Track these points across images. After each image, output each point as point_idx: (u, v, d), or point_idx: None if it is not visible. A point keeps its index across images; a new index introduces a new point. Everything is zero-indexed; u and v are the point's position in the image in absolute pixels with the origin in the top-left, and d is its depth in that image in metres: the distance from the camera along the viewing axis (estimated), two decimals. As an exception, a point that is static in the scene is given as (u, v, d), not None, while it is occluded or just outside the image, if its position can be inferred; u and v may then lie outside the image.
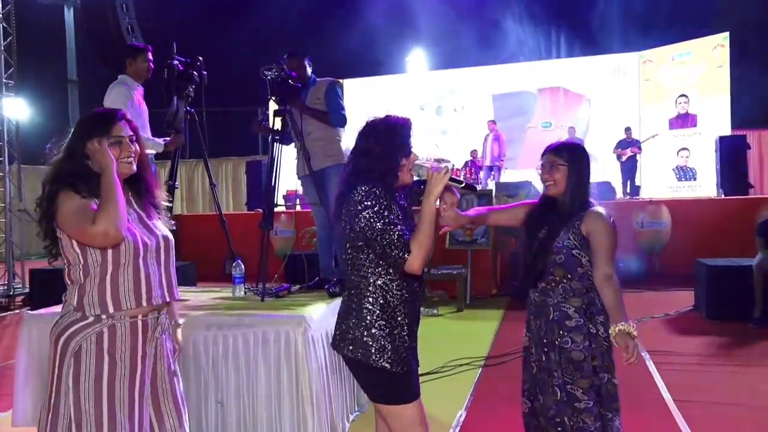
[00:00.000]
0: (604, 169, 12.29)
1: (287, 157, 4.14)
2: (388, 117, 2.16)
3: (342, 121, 3.99)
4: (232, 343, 3.13)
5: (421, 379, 4.21)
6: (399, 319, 2.10)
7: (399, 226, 2.01)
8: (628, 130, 11.74)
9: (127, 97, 3.83)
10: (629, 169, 11.45)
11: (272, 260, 5.73)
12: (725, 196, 10.10)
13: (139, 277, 1.97)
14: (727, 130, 11.78)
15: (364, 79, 15.17)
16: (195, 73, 3.69)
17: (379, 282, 2.09)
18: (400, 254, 1.99)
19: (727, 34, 12.35)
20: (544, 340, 2.39)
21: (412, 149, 2.15)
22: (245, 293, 3.86)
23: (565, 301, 2.34)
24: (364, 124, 2.18)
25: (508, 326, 6.24)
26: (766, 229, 6.31)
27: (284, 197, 11.93)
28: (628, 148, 11.34)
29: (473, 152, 12.61)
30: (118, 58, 3.95)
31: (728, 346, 5.27)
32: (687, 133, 12.58)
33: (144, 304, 1.98)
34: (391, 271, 2.08)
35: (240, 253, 6.35)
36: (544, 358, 2.40)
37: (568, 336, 2.31)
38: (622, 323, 2.18)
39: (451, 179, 2.09)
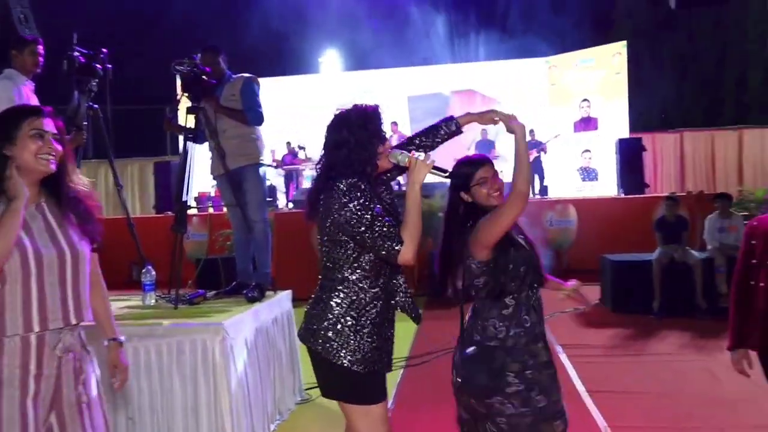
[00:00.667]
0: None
1: (199, 156, 3.96)
2: (356, 106, 2.09)
3: (258, 120, 3.85)
4: (144, 356, 2.94)
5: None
6: (368, 318, 2.05)
7: (387, 218, 1.97)
8: (531, 132, 12.21)
9: (12, 92, 3.51)
10: (536, 169, 11.90)
11: (185, 265, 5.46)
12: (625, 195, 10.71)
13: (29, 298, 1.74)
14: (625, 133, 12.51)
15: (277, 78, 14.90)
16: (98, 66, 3.44)
17: (352, 278, 2.05)
18: (393, 245, 1.94)
19: (624, 42, 13.14)
20: (540, 334, 2.12)
21: (386, 135, 2.11)
22: (156, 301, 3.64)
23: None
24: (332, 117, 2.12)
25: (428, 325, 6.26)
26: (663, 225, 6.75)
27: (196, 199, 11.48)
28: (534, 149, 11.80)
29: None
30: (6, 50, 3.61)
31: (633, 338, 5.56)
32: (589, 135, 13.27)
33: (36, 328, 1.75)
34: (367, 268, 2.04)
35: (149, 258, 6.01)
36: (541, 353, 2.12)
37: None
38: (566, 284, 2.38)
39: (435, 167, 1.99)
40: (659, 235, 6.65)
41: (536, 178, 11.85)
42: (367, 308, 2.06)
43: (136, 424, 2.93)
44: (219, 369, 2.87)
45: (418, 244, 1.98)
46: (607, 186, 12.36)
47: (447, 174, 2.06)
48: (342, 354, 2.02)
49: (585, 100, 13.37)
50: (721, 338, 5.18)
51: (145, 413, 2.93)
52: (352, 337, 2.03)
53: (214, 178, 3.99)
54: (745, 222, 6.99)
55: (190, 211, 9.31)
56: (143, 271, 3.65)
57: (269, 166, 4.07)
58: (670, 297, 6.23)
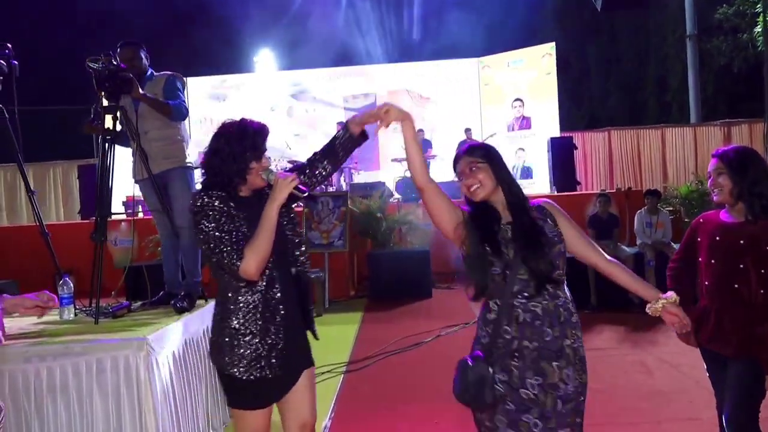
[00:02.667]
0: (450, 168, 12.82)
1: (124, 159, 3.71)
2: (242, 120, 2.15)
3: (180, 114, 3.63)
4: (60, 376, 2.69)
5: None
6: (247, 323, 2.08)
7: (234, 234, 2.02)
8: (468, 131, 12.35)
9: None
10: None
11: (111, 274, 5.15)
12: (557, 192, 10.97)
13: None
14: (556, 132, 12.84)
15: (209, 78, 14.46)
16: (2, 62, 3.15)
17: (226, 287, 2.12)
18: (233, 261, 1.99)
19: (553, 44, 13.48)
20: (557, 350, 1.94)
21: (265, 155, 2.13)
22: (76, 315, 3.37)
23: (567, 297, 2.00)
24: (219, 125, 2.17)
25: (368, 328, 6.21)
26: (595, 222, 6.93)
27: (124, 203, 10.96)
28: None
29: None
30: None
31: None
32: (523, 134, 13.54)
33: None
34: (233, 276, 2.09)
35: (75, 267, 5.64)
36: (552, 372, 1.93)
37: (576, 334, 1.99)
38: (662, 296, 2.04)
39: (296, 188, 2.05)
40: (592, 231, 6.83)
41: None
42: (246, 315, 2.09)
43: (53, 451, 2.69)
44: (143, 387, 2.66)
45: (263, 258, 2.02)
46: (541, 184, 12.64)
47: (305, 195, 2.11)
48: (227, 363, 2.09)
49: (518, 99, 13.63)
50: (653, 331, 5.36)
51: (62, 438, 2.69)
52: (234, 345, 2.08)
53: (136, 182, 3.74)
54: (671, 217, 7.31)
55: (117, 217, 8.88)
56: (60, 283, 3.37)
57: (195, 168, 3.85)
58: (604, 292, 6.38)
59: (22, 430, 2.69)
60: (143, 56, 3.78)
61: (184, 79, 3.85)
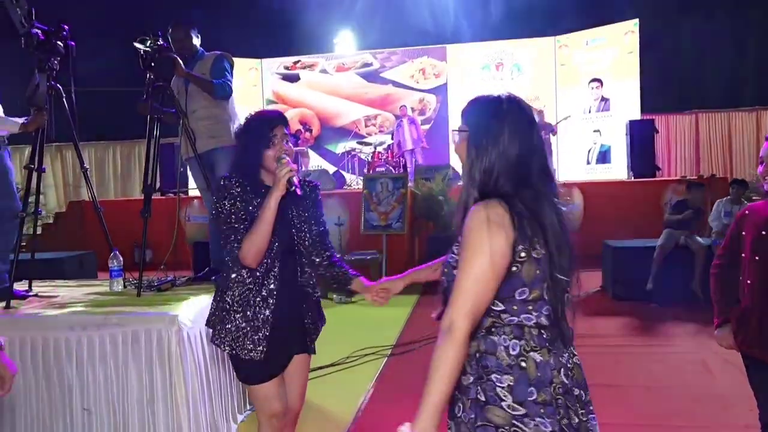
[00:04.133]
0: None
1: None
2: (250, 114, 2.30)
3: (223, 92, 3.67)
4: (99, 345, 2.83)
5: (323, 371, 4.08)
6: (241, 304, 2.19)
7: (241, 223, 2.13)
8: (541, 113, 11.90)
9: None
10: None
11: (184, 248, 5.44)
12: (635, 178, 10.42)
13: None
14: (636, 115, 12.16)
15: (282, 58, 14.69)
16: (59, 43, 3.29)
17: (231, 264, 2.21)
18: (235, 246, 2.14)
19: (636, 20, 12.70)
20: None
21: (283, 143, 2.20)
22: (125, 287, 3.53)
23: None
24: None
25: (421, 312, 6.16)
26: (678, 210, 6.43)
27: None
28: (542, 131, 11.49)
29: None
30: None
31: (630, 326, 5.38)
32: (600, 116, 12.93)
33: None
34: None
35: (153, 241, 6.00)
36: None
37: (460, 400, 1.49)
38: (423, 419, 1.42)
39: (289, 180, 2.11)
40: (670, 218, 6.32)
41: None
42: (242, 296, 2.19)
43: (93, 416, 2.84)
44: (174, 360, 2.75)
45: (259, 248, 2.10)
46: (619, 168, 12.06)
47: (292, 189, 2.14)
48: (215, 332, 2.25)
49: (595, 80, 13.00)
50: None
51: (101, 405, 2.83)
52: (224, 318, 2.22)
53: (184, 161, 3.85)
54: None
55: (192, 193, 9.12)
56: (111, 256, 3.54)
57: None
58: (669, 284, 6.00)
59: (65, 393, 2.85)
60: (194, 36, 3.86)
61: (232, 57, 3.88)
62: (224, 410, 3.13)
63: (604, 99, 12.92)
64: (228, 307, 2.21)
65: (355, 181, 11.88)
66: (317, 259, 2.31)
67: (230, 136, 3.74)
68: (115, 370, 2.82)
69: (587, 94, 13.07)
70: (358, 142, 12.77)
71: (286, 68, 14.40)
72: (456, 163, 11.27)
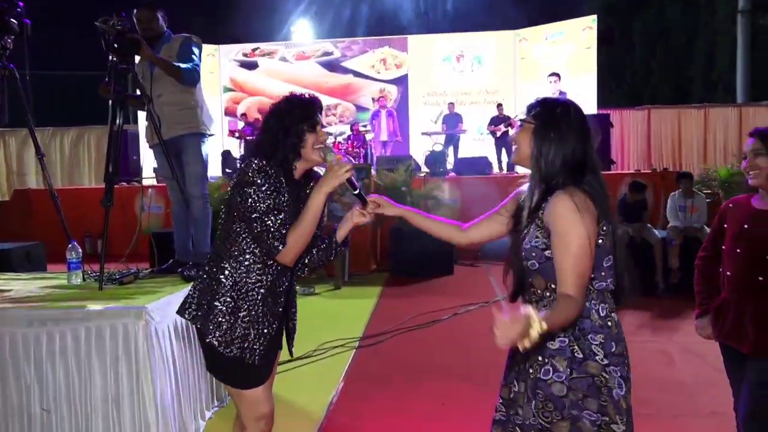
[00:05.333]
0: (482, 144, 12.56)
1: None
2: (291, 93, 2.05)
3: (191, 77, 3.52)
4: (60, 341, 2.67)
5: (291, 365, 4.00)
6: (247, 302, 1.98)
7: (282, 215, 1.89)
8: (499, 106, 12.01)
9: None
10: (503, 144, 11.74)
11: (140, 238, 5.24)
12: (591, 171, 10.62)
13: None
14: (593, 109, 12.40)
15: (241, 45, 14.35)
16: (13, 21, 3.09)
17: (241, 258, 1.98)
18: (276, 244, 1.89)
19: (594, 16, 12.95)
20: (518, 367, 1.72)
21: (323, 129, 2.01)
22: (85, 280, 3.36)
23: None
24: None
25: (386, 303, 6.13)
26: (622, 206, 6.66)
27: (155, 169, 11.05)
28: (501, 124, 11.61)
29: (354, 126, 12.41)
30: None
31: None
32: (558, 110, 13.13)
33: None
34: (257, 252, 1.97)
35: (109, 232, 5.71)
36: (516, 388, 1.72)
37: (548, 363, 1.61)
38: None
39: (349, 180, 1.91)
40: (620, 216, 6.55)
41: (503, 153, 11.70)
42: (249, 293, 1.98)
43: (52, 416, 2.69)
44: (141, 356, 2.62)
45: (303, 247, 1.93)
46: (574, 162, 12.28)
47: (356, 192, 1.94)
48: (212, 331, 1.98)
49: (554, 74, 13.19)
50: (677, 319, 5.15)
51: (61, 404, 2.68)
52: (227, 318, 1.97)
53: (150, 147, 3.68)
54: (708, 201, 6.99)
55: (149, 182, 8.81)
56: (69, 247, 3.36)
57: (210, 135, 3.77)
58: (632, 275, 6.15)
59: (22, 393, 2.69)
60: (161, 17, 3.69)
61: (200, 41, 3.73)
62: (193, 408, 3.02)
63: (562, 93, 13.10)
64: (232, 306, 1.97)
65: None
66: (314, 249, 2.12)
67: (198, 123, 3.60)
68: (77, 368, 2.67)
69: (546, 88, 13.25)
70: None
71: (245, 55, 14.09)
72: (416, 154, 11.31)
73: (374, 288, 6.82)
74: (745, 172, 2.08)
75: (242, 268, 1.97)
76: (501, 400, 1.78)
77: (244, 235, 1.96)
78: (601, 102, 13.02)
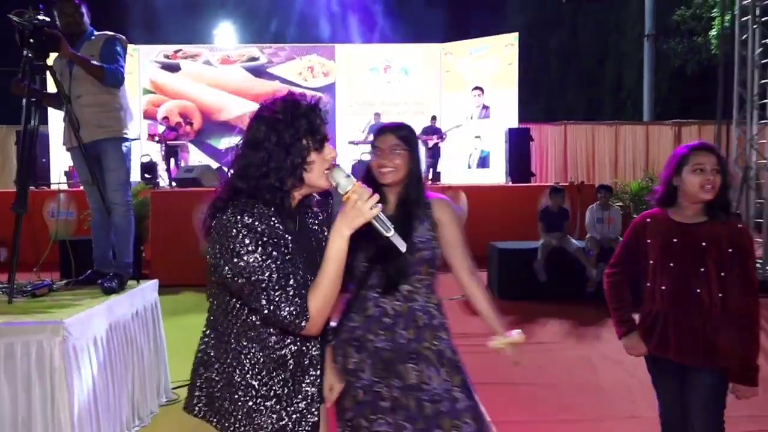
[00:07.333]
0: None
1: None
2: (290, 94, 1.54)
3: (114, 79, 3.34)
4: (-37, 360, 2.44)
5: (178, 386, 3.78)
6: (275, 386, 1.52)
7: (292, 280, 1.42)
8: (433, 118, 12.23)
9: None
10: (433, 155, 11.95)
11: (46, 246, 4.86)
12: (513, 183, 10.99)
13: None
14: (514, 123, 12.86)
15: (163, 46, 13.85)
16: None
17: (253, 335, 1.51)
18: (297, 321, 1.41)
19: (516, 34, 13.46)
20: (412, 352, 1.97)
21: (327, 142, 1.52)
22: (-10, 292, 3.10)
23: (429, 301, 2.03)
24: (258, 107, 1.54)
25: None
26: (546, 214, 6.92)
27: (66, 173, 10.44)
28: (434, 135, 11.82)
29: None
30: None
31: (517, 325, 5.56)
32: (481, 123, 13.53)
33: None
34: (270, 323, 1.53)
35: (8, 238, 5.31)
36: (409, 374, 1.97)
37: (440, 336, 2.02)
38: (507, 334, 2.11)
39: (378, 218, 1.45)
40: (542, 224, 6.82)
41: (438, 163, 11.93)
42: (273, 375, 1.51)
43: (-47, 443, 2.45)
44: (58, 376, 2.44)
45: (329, 312, 1.47)
46: (497, 174, 12.67)
47: (391, 234, 1.46)
48: (239, 428, 1.51)
49: (477, 88, 13.58)
50: (596, 326, 5.37)
51: (-37, 429, 2.45)
52: (254, 410, 1.50)
53: (67, 150, 3.46)
54: (622, 213, 7.37)
55: (59, 186, 8.26)
56: (-27, 257, 3.08)
57: (134, 140, 3.58)
58: (551, 284, 6.42)
59: None
60: (84, 13, 3.47)
61: (126, 41, 3.55)
62: (113, 428, 2.84)
63: (485, 106, 13.53)
64: (254, 393, 1.50)
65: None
66: None
67: (120, 127, 3.42)
68: (-18, 390, 2.45)
69: (471, 101, 13.62)
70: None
71: (166, 57, 13.62)
72: (343, 163, 11.28)
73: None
74: (701, 188, 2.07)
75: (257, 345, 1.52)
76: (376, 414, 1.94)
77: (248, 310, 1.50)
78: (522, 117, 13.52)
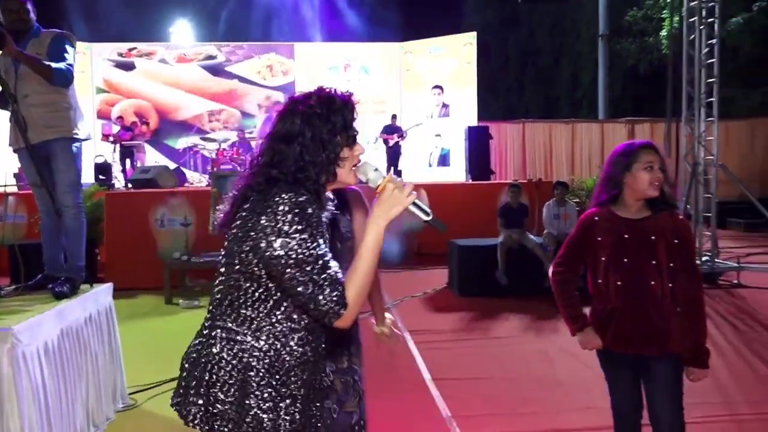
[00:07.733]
0: (374, 152, 12.73)
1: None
2: (322, 88, 1.54)
3: (63, 78, 3.23)
4: None
5: (166, 386, 3.77)
6: (292, 386, 1.46)
7: (334, 268, 1.40)
8: (394, 117, 12.26)
9: None
10: (394, 153, 11.99)
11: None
12: (473, 181, 11.11)
13: None
14: (474, 121, 13.01)
15: (116, 44, 13.52)
16: None
17: (274, 330, 1.45)
18: (336, 308, 1.37)
19: (474, 33, 13.61)
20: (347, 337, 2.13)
21: (358, 139, 1.53)
22: (-67, 300, 2.98)
23: None
24: (285, 101, 1.56)
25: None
26: (506, 211, 7.03)
27: (15, 175, 10.09)
28: (394, 134, 11.87)
29: (240, 132, 12.12)
30: None
31: (478, 321, 5.70)
32: (441, 121, 13.64)
33: None
34: (295, 317, 1.45)
35: None
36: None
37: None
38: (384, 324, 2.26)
39: (416, 204, 1.46)
40: (501, 220, 6.93)
41: (399, 161, 11.97)
42: (291, 375, 1.46)
43: None
44: (6, 385, 2.36)
45: (362, 304, 1.44)
46: (457, 172, 12.79)
47: (431, 218, 1.49)
48: None
49: (437, 86, 13.69)
50: (554, 320, 5.46)
51: None
52: (270, 413, 1.43)
53: (14, 152, 3.35)
54: (577, 209, 7.54)
55: (5, 189, 7.99)
56: None
57: (85, 140, 3.49)
58: (511, 280, 6.53)
59: None
60: (30, 9, 3.36)
61: (74, 39, 3.46)
62: (67, 436, 2.77)
63: (444, 105, 13.65)
64: (285, 395, 1.45)
65: (197, 179, 11.30)
66: None
67: (70, 127, 3.32)
68: (-75, 401, 2.36)
69: (430, 100, 13.72)
70: (201, 138, 12.18)
71: (120, 55, 13.30)
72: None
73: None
74: (650, 184, 2.12)
75: (276, 343, 1.45)
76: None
77: (273, 296, 1.44)
78: (481, 115, 13.69)
